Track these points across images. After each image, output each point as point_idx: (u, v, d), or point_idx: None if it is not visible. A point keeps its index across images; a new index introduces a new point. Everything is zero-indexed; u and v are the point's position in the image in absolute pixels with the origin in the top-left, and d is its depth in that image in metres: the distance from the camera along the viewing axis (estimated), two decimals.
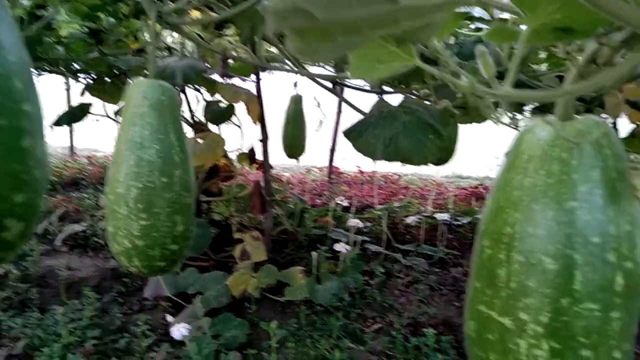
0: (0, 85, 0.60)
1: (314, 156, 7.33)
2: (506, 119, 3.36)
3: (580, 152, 0.62)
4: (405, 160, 1.59)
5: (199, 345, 2.13)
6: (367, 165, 6.40)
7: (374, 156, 1.57)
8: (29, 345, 2.15)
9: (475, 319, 0.70)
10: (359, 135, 1.58)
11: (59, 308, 2.39)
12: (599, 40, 0.58)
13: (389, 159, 1.58)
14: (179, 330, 2.11)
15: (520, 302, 0.63)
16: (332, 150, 5.99)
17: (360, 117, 1.68)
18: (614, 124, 3.34)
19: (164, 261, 1.46)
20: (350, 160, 7.06)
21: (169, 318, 2.25)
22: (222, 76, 1.62)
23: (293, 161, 6.67)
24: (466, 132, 2.89)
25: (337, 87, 1.85)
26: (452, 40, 2.11)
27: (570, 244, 0.60)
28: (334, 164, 6.21)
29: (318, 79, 1.81)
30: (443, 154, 2.68)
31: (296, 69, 1.58)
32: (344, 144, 6.40)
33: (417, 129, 1.56)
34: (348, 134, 1.58)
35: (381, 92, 1.78)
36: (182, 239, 1.47)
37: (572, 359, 0.61)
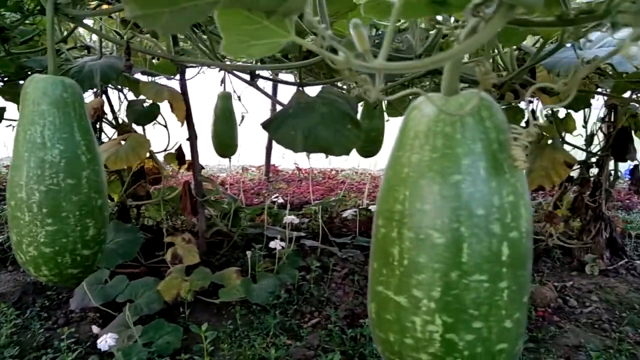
0: None
1: (251, 155, 7.26)
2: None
3: (462, 125, 0.63)
4: (326, 150, 1.59)
5: (127, 355, 2.04)
6: (305, 162, 6.40)
7: (294, 148, 1.56)
8: None
9: (375, 301, 0.70)
10: (278, 127, 1.56)
11: None
12: (473, 13, 0.58)
13: (310, 150, 1.57)
14: (105, 340, 2.01)
15: (413, 279, 0.63)
16: (269, 149, 5.94)
17: None
18: (534, 110, 3.50)
19: (76, 268, 1.38)
20: (289, 158, 7.04)
21: (95, 329, 2.14)
22: (126, 70, 1.54)
23: (229, 161, 6.57)
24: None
25: (255, 79, 1.82)
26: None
27: (456, 217, 0.61)
28: (271, 162, 6.16)
29: (236, 72, 1.77)
30: (371, 146, 2.71)
31: (211, 61, 1.53)
32: None
33: (336, 120, 1.56)
34: (266, 125, 1.56)
35: (301, 84, 1.77)
36: (94, 243, 1.40)
37: (465, 332, 0.61)
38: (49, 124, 1.29)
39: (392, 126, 2.94)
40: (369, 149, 2.71)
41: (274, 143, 5.96)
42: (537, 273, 3.30)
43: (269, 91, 5.44)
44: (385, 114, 3.20)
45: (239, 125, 3.21)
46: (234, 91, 3.37)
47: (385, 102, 3.08)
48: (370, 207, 3.67)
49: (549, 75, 2.30)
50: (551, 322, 2.69)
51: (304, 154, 4.45)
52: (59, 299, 2.71)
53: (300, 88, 1.75)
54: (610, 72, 2.60)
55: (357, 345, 2.32)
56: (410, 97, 0.64)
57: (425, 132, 0.64)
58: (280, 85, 5.39)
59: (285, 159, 7.24)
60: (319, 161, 6.39)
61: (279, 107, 1.75)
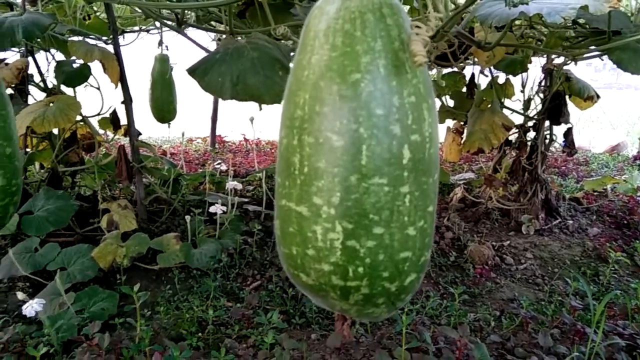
0: None
1: (196, 126, 7.08)
2: None
3: (362, 22, 0.60)
4: (256, 98, 1.54)
5: (54, 321, 1.95)
6: (252, 133, 6.30)
7: (222, 95, 1.50)
8: None
9: (280, 217, 0.67)
10: (205, 74, 1.49)
11: None
12: None
13: (239, 98, 1.52)
14: (31, 306, 1.91)
15: (313, 187, 0.60)
16: (214, 119, 5.80)
17: None
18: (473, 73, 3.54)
19: None
20: (235, 129, 6.92)
21: (21, 296, 2.03)
22: (30, 3, 1.43)
23: (173, 133, 6.38)
24: None
25: (183, 27, 1.73)
26: None
27: (355, 118, 0.58)
28: (217, 133, 6.03)
29: (166, 22, 1.68)
30: None
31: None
32: (227, 112, 6.20)
33: (265, 65, 1.50)
34: (192, 71, 1.49)
35: (232, 32, 1.70)
36: (4, 194, 1.30)
37: (365, 238, 0.59)
38: None
39: None
40: None
41: (219, 113, 5.83)
42: (477, 234, 3.39)
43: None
44: None
45: (167, 77, 3.08)
46: (161, 43, 3.24)
47: None
48: None
49: (483, 31, 2.32)
50: (488, 278, 2.78)
51: (252, 124, 4.35)
52: None
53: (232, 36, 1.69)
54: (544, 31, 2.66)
55: (298, 304, 2.31)
56: None
57: (324, 31, 0.60)
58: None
59: (234, 131, 7.12)
60: (266, 132, 6.29)
61: None
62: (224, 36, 3.92)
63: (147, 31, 4.47)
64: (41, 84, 3.01)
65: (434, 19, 0.54)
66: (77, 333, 1.98)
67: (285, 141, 0.63)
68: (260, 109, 1.76)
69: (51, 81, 3.07)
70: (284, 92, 1.59)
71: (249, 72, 1.50)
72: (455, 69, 3.80)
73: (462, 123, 3.93)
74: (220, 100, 5.79)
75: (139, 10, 3.75)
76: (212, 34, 3.76)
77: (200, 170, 4.72)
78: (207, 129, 6.13)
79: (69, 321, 2.05)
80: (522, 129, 3.64)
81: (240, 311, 2.15)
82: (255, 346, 1.90)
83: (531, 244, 3.30)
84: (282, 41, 1.79)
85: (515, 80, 3.65)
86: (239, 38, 1.91)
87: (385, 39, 0.59)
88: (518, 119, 3.69)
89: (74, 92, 2.96)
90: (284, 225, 0.65)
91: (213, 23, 2.28)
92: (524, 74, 3.44)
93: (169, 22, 1.70)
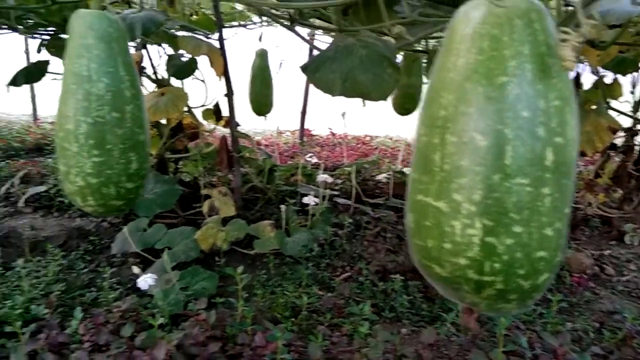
0: None
1: (286, 119, 7.28)
2: None
3: (510, 27, 0.62)
4: (364, 95, 1.58)
5: (166, 295, 2.12)
6: (340, 127, 6.39)
7: (332, 91, 1.55)
8: None
9: (414, 210, 0.71)
10: (317, 70, 1.56)
11: (23, 265, 2.35)
12: None
13: (348, 94, 1.56)
14: (145, 280, 2.09)
15: (453, 184, 0.63)
16: (304, 113, 5.94)
17: None
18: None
19: (119, 200, 1.43)
20: (323, 123, 7.04)
21: (136, 270, 2.23)
22: (168, 4, 1.56)
23: (264, 125, 6.62)
24: None
25: (294, 24, 1.81)
26: None
27: (500, 119, 0.60)
28: (306, 127, 6.17)
29: (278, 19, 1.77)
30: (409, 103, 2.68)
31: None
32: (315, 106, 6.34)
33: (374, 63, 1.54)
34: (305, 68, 1.56)
35: (341, 30, 1.75)
36: (137, 177, 1.44)
37: (505, 235, 0.62)
38: (94, 57, 1.32)
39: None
40: (407, 105, 2.67)
41: (308, 107, 5.96)
42: (574, 241, 3.24)
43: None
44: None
45: (277, 73, 3.22)
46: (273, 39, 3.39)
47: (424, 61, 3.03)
48: (404, 170, 3.65)
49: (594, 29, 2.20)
50: (587, 287, 2.65)
51: (344, 119, 4.43)
52: (101, 244, 2.82)
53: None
54: None
55: (387, 298, 2.34)
56: None
57: (471, 35, 0.63)
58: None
59: (319, 124, 7.23)
60: (353, 127, 6.35)
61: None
62: (316, 32, 4.02)
63: (244, 26, 4.68)
64: (153, 76, 3.25)
65: (587, 26, 0.55)
66: (184, 308, 2.15)
67: (424, 139, 0.67)
68: (364, 105, 1.81)
69: (161, 74, 3.31)
70: (392, 88, 1.61)
71: (358, 69, 1.54)
72: None
73: None
74: (309, 94, 5.93)
75: (239, 7, 3.94)
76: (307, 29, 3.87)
77: (290, 162, 4.87)
78: (295, 122, 6.29)
79: (176, 296, 2.23)
80: (630, 132, 3.41)
81: (332, 300, 2.22)
82: (349, 335, 1.96)
83: (635, 255, 3.10)
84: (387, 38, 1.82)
85: (624, 80, 3.42)
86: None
87: (532, 44, 0.60)
88: (626, 122, 3.46)
89: (182, 84, 3.17)
90: (419, 219, 0.68)
91: (316, 20, 2.36)
92: (635, 74, 3.22)
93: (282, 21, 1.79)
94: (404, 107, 2.68)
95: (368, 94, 1.56)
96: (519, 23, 0.61)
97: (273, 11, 2.01)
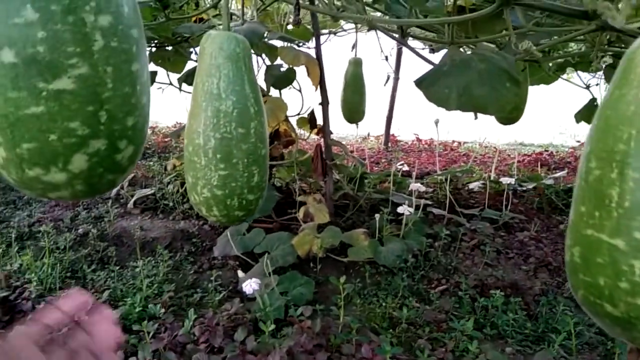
0: (113, 8, 0.62)
1: (370, 124, 7.28)
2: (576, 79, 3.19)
3: None
4: (480, 109, 1.55)
5: (267, 301, 2.19)
6: (425, 133, 6.29)
7: (447, 106, 1.53)
8: (112, 295, 2.28)
9: (581, 244, 0.68)
10: (431, 85, 1.54)
11: (136, 264, 2.52)
12: None
13: (463, 108, 1.54)
14: (250, 285, 2.17)
15: (635, 222, 0.60)
16: (389, 118, 5.91)
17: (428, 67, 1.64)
18: None
19: (241, 210, 1.50)
20: (406, 128, 6.97)
21: (240, 274, 2.32)
22: (294, 24, 1.61)
23: (349, 129, 6.65)
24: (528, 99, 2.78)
25: (405, 38, 1.80)
26: None
27: None
28: (390, 132, 6.13)
29: (386, 30, 1.77)
30: (514, 112, 2.58)
31: (363, 16, 1.54)
32: (399, 111, 6.28)
33: (493, 77, 1.51)
34: (419, 82, 1.55)
35: (452, 43, 1.73)
36: (258, 189, 1.50)
37: None
38: (224, 77, 1.40)
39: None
40: (512, 115, 2.58)
41: (394, 113, 5.92)
42: None
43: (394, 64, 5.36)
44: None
45: (384, 85, 3.24)
46: (382, 50, 3.43)
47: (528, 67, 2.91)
48: (500, 180, 3.53)
49: None
50: None
51: (437, 126, 4.36)
52: (203, 247, 2.97)
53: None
54: None
55: (487, 315, 2.28)
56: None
57: None
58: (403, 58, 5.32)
59: (402, 129, 7.16)
60: (438, 132, 6.23)
61: (406, 77, 1.73)
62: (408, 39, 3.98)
63: (335, 33, 4.74)
64: None
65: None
66: (285, 314, 2.21)
67: (597, 172, 0.64)
68: (476, 118, 1.77)
69: (259, 84, 3.42)
70: (511, 102, 1.56)
71: (475, 83, 1.51)
72: None
73: None
74: (395, 99, 5.89)
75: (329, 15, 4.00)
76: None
77: (376, 168, 4.86)
78: (379, 127, 6.27)
79: (277, 301, 2.30)
80: None
81: (432, 314, 2.19)
82: (453, 351, 1.93)
83: None
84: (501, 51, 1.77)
85: None
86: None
87: None
88: None
89: (280, 93, 3.26)
90: (590, 255, 0.66)
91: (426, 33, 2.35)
92: None
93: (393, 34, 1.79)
94: (509, 117, 2.58)
95: (484, 108, 1.53)
96: None
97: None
